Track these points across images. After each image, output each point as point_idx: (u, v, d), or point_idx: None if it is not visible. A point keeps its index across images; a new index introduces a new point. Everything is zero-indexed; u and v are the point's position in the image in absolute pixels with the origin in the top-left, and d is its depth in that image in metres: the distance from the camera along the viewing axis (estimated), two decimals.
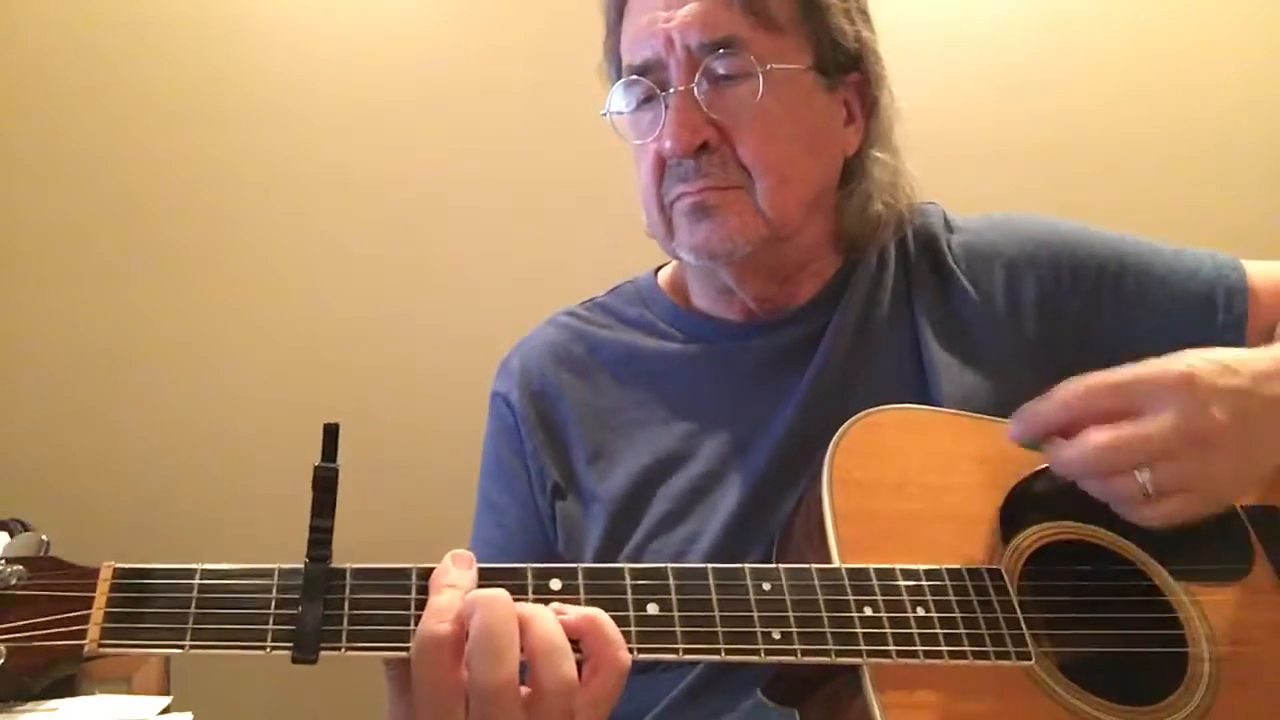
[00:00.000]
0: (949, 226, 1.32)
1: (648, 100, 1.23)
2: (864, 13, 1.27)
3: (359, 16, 2.46)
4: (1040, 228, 1.30)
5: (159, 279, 2.37)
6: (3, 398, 2.30)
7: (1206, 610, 1.02)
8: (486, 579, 0.88)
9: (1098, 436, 0.95)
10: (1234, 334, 1.21)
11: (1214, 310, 1.22)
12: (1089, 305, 1.24)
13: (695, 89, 1.18)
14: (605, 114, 1.29)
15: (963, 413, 1.14)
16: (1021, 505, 1.05)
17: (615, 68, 1.29)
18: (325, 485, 0.85)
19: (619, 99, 1.27)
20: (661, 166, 1.22)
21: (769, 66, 1.18)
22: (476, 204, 2.44)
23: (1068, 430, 0.97)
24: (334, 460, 0.86)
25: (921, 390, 1.20)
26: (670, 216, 1.23)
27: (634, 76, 1.23)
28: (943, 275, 1.28)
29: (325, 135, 2.44)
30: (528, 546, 1.26)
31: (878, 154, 1.28)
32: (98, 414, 2.32)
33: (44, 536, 0.86)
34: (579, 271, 1.96)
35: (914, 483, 1.05)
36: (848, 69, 1.26)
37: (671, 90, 1.19)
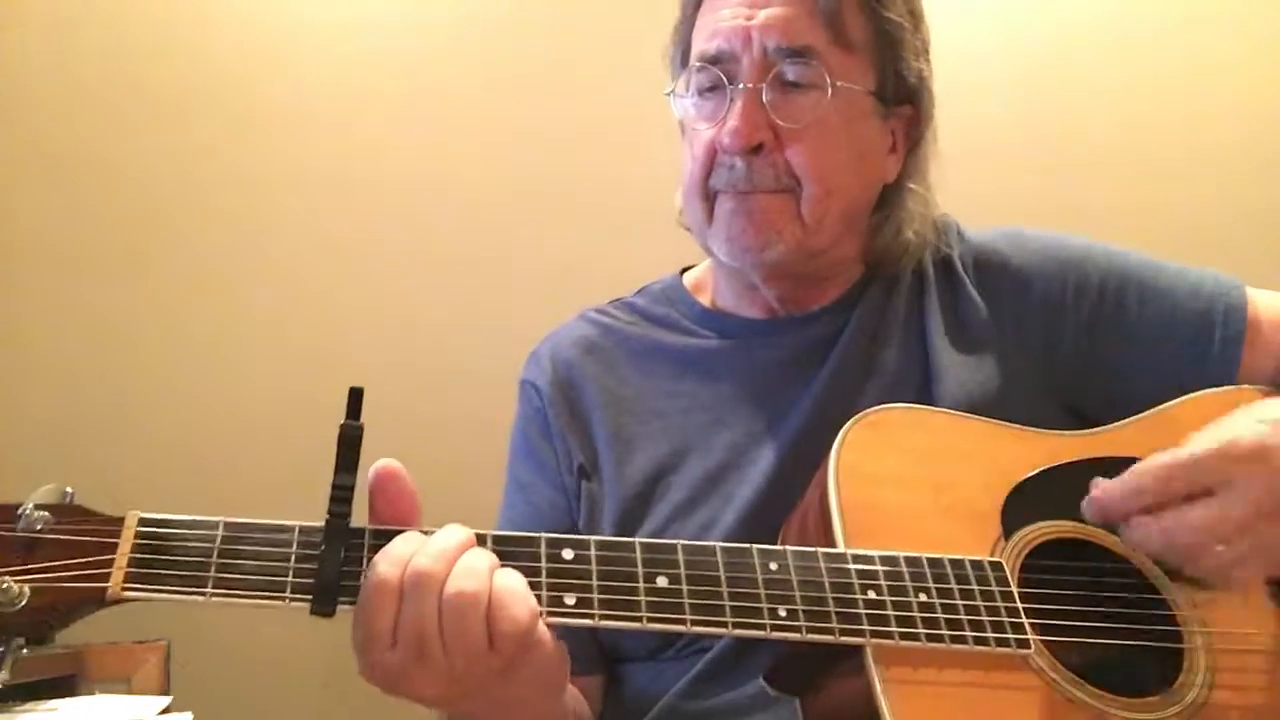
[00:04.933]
0: (961, 238, 1.36)
1: (712, 89, 1.26)
2: (927, 51, 1.32)
3: (367, 15, 2.49)
4: (1048, 242, 1.33)
5: (176, 266, 2.38)
6: (21, 384, 2.31)
7: (1202, 607, 1.03)
8: (501, 546, 0.91)
9: (1178, 522, 0.98)
10: (1231, 351, 1.24)
11: (1212, 327, 1.25)
12: (1091, 318, 1.27)
13: (763, 90, 1.22)
14: (668, 93, 1.33)
15: (967, 414, 1.16)
16: (1023, 503, 1.07)
17: (682, 52, 1.33)
18: (349, 442, 0.87)
19: (684, 83, 1.30)
20: (713, 155, 1.25)
21: (837, 83, 1.22)
22: (494, 202, 2.46)
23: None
24: (358, 419, 0.88)
25: (927, 391, 1.23)
26: (712, 206, 1.27)
27: (704, 64, 1.26)
28: (953, 284, 1.32)
29: (332, 131, 2.45)
30: (554, 523, 1.29)
31: (913, 187, 1.33)
32: (110, 406, 2.33)
33: (68, 488, 0.87)
34: (592, 267, 2.01)
35: (918, 478, 1.07)
36: (902, 101, 1.30)
37: (740, 85, 1.23)
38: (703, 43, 1.27)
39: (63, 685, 1.87)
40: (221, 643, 2.10)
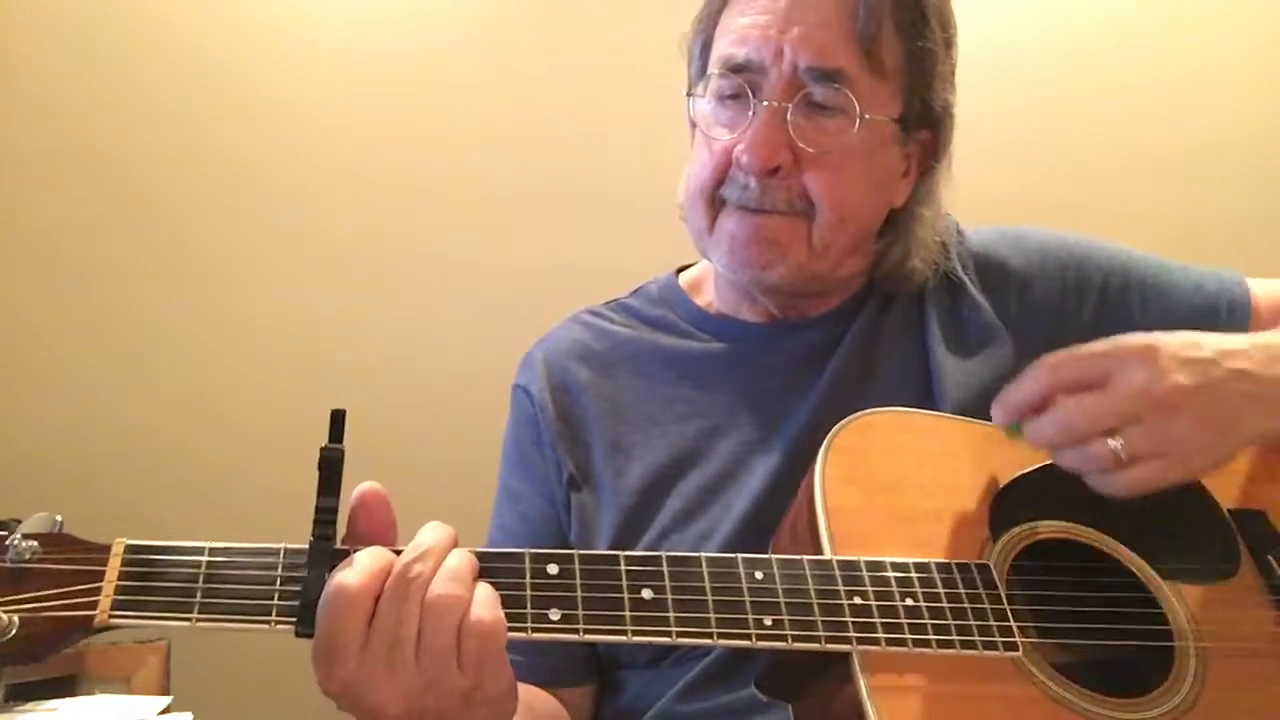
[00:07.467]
0: (960, 238, 1.35)
1: (733, 96, 1.22)
2: (954, 75, 1.28)
3: (367, 14, 2.49)
4: (1050, 241, 1.32)
5: (169, 274, 2.39)
6: (15, 393, 2.32)
7: (1193, 607, 1.04)
8: (486, 562, 0.91)
9: (1066, 403, 0.99)
10: None
11: (1215, 324, 1.23)
12: (1094, 317, 1.27)
13: (788, 110, 1.18)
14: (687, 94, 1.28)
15: (955, 416, 1.16)
16: (1011, 504, 1.07)
17: (702, 48, 1.28)
18: (330, 465, 0.87)
19: (703, 86, 1.26)
20: (727, 166, 1.21)
21: (866, 115, 1.18)
22: (485, 201, 2.46)
23: (1042, 406, 1.01)
24: (340, 443, 0.88)
25: (926, 394, 1.23)
26: (717, 214, 1.24)
27: (728, 71, 1.21)
28: (953, 285, 1.31)
29: (330, 130, 2.45)
30: (545, 534, 1.29)
31: (922, 211, 1.29)
32: (108, 410, 2.34)
33: (58, 516, 0.88)
34: (588, 269, 2.00)
35: (906, 482, 1.07)
36: (922, 126, 1.26)
37: (764, 102, 1.18)
38: (729, 46, 1.22)
39: (63, 685, 1.88)
40: (221, 643, 2.10)
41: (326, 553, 0.87)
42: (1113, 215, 2.33)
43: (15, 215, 2.37)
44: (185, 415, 2.36)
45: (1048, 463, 1.10)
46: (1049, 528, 1.07)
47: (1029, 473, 1.09)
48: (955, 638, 0.95)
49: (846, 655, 0.93)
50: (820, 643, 0.92)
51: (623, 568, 0.93)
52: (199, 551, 0.87)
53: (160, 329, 2.38)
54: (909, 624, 0.94)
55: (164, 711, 1.69)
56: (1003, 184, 2.27)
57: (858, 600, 0.95)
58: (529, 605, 0.90)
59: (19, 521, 0.87)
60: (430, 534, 0.89)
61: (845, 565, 0.97)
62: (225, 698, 2.05)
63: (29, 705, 1.68)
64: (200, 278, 2.41)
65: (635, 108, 2.31)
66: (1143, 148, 2.52)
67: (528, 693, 1.20)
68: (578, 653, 1.26)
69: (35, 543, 0.84)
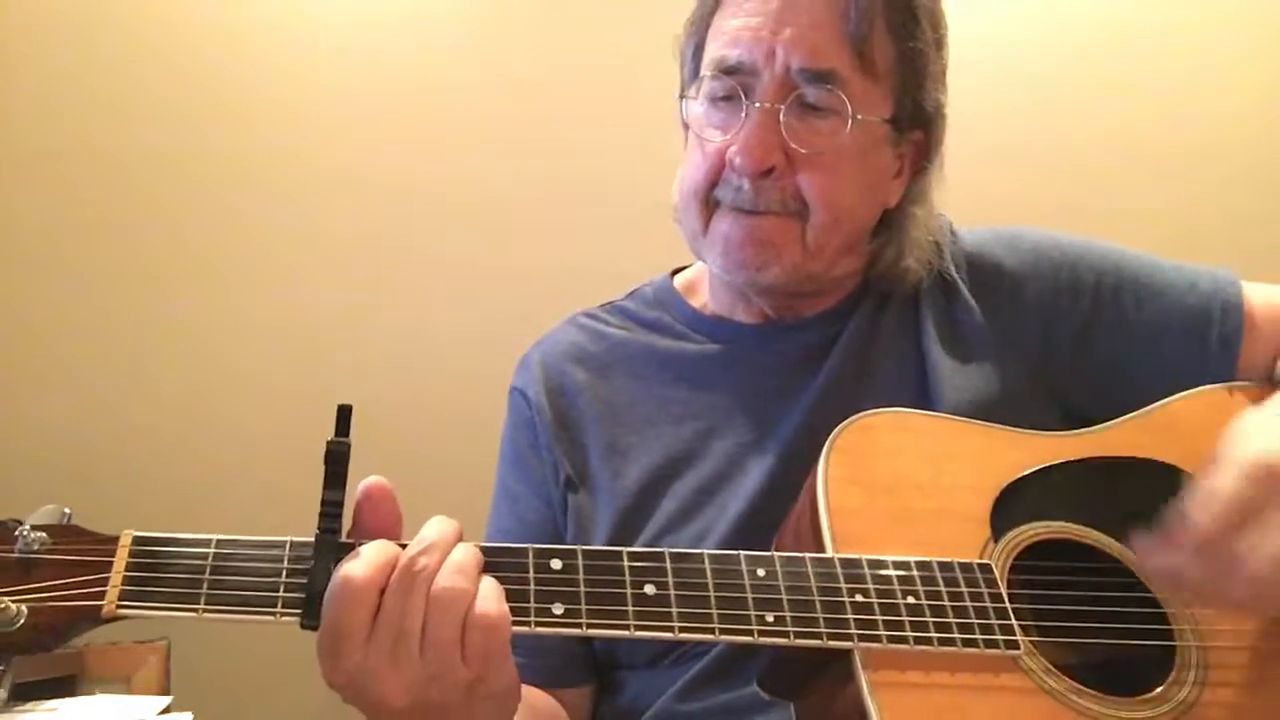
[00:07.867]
0: (954, 238, 1.35)
1: (726, 98, 1.22)
2: (945, 76, 1.28)
3: (367, 14, 2.49)
4: (1043, 241, 1.32)
5: (169, 274, 2.39)
6: (15, 393, 2.32)
7: (1195, 608, 1.04)
8: (490, 557, 0.92)
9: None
10: (1229, 347, 1.24)
11: (1209, 324, 1.25)
12: (1088, 317, 1.27)
13: (781, 111, 1.18)
14: (680, 96, 1.29)
15: (956, 417, 1.16)
16: (1012, 505, 1.07)
17: (694, 51, 1.28)
18: (336, 459, 0.88)
19: (696, 88, 1.26)
20: (720, 167, 1.22)
21: (858, 116, 1.18)
22: (485, 201, 2.46)
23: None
24: (346, 437, 0.89)
25: (922, 395, 1.23)
26: (711, 215, 1.24)
27: (720, 73, 1.21)
28: (948, 286, 1.31)
29: (330, 130, 2.45)
30: (542, 535, 1.29)
31: (916, 210, 1.30)
32: (109, 410, 2.34)
33: (66, 509, 0.88)
34: (586, 269, 2.00)
35: (907, 482, 1.07)
36: (914, 126, 1.27)
37: (757, 103, 1.19)
38: (721, 48, 1.22)
39: (63, 685, 1.88)
40: (221, 643, 2.11)
41: (332, 546, 0.88)
42: (1112, 215, 2.34)
43: (15, 215, 2.36)
44: (185, 415, 2.36)
45: (1048, 464, 1.11)
46: (1049, 528, 1.08)
47: (1029, 474, 1.10)
48: (956, 635, 0.95)
49: (848, 653, 0.93)
50: (822, 639, 0.93)
51: (626, 563, 0.94)
52: (205, 544, 0.88)
53: (160, 329, 2.38)
54: (910, 622, 0.95)
55: (164, 711, 1.69)
56: (1001, 184, 2.27)
57: (859, 598, 0.95)
58: (532, 600, 0.90)
59: (20, 523, 0.87)
60: (435, 528, 0.90)
61: (847, 563, 0.97)
62: (225, 698, 2.05)
63: (29, 705, 1.68)
64: (200, 278, 2.40)
65: (635, 108, 2.30)
66: (1143, 148, 2.52)
67: (528, 692, 1.20)
68: (576, 653, 1.27)
69: (44, 534, 0.85)
